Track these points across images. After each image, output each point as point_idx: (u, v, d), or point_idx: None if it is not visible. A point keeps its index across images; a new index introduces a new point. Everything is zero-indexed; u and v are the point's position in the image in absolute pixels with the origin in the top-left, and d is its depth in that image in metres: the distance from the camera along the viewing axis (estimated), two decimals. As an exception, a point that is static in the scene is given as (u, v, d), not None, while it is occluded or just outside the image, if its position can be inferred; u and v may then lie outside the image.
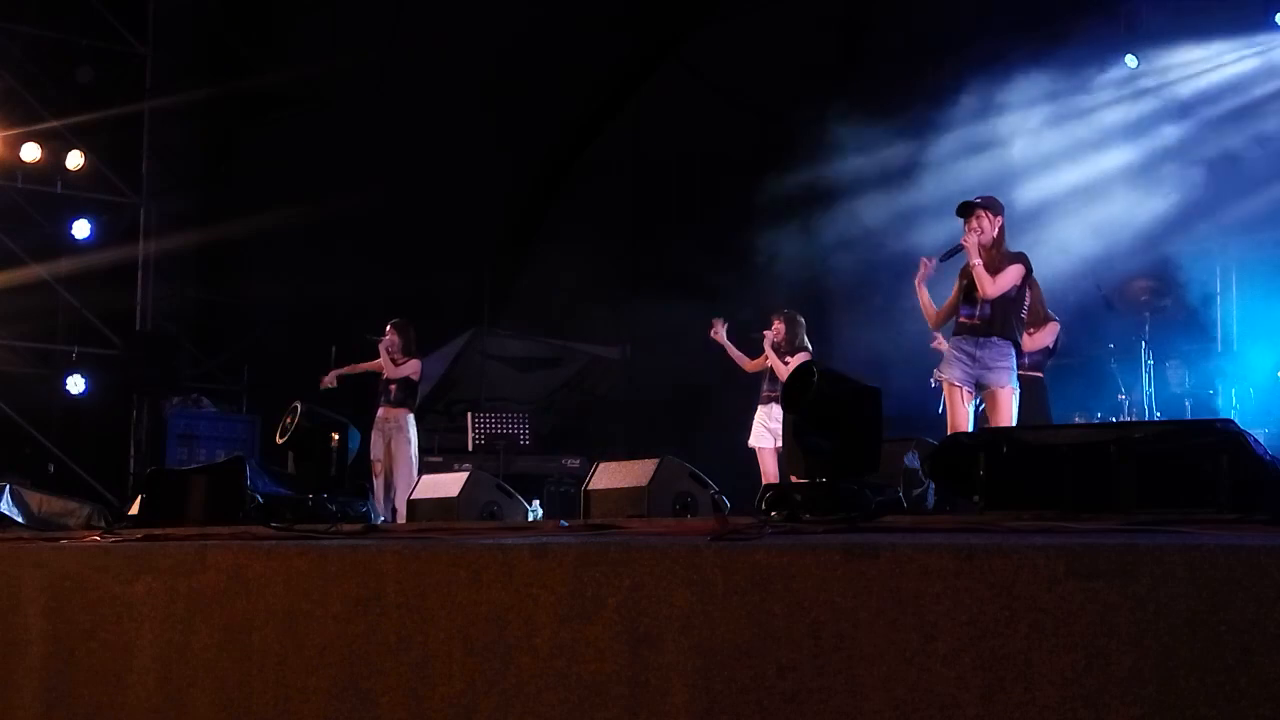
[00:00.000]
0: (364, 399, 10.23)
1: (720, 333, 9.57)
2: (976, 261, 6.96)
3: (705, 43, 13.64)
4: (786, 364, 9.03)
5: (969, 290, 7.05)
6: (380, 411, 9.93)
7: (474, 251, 14.08)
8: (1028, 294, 7.15)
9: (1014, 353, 7.02)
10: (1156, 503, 3.10)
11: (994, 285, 6.95)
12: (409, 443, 9.84)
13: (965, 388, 6.96)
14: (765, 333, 9.33)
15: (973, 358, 6.97)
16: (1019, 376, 7.23)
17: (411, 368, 10.00)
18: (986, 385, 6.94)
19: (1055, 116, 11.13)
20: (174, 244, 14.48)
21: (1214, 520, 2.79)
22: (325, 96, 13.88)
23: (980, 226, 7.04)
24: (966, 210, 7.11)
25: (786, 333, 9.27)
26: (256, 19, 14.85)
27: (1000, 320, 6.99)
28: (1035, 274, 7.44)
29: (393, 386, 9.95)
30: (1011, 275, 6.98)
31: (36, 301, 13.67)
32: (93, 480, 13.19)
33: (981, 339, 6.98)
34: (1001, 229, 7.10)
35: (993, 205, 7.15)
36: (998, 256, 7.04)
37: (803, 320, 9.43)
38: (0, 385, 13.53)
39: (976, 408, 7.06)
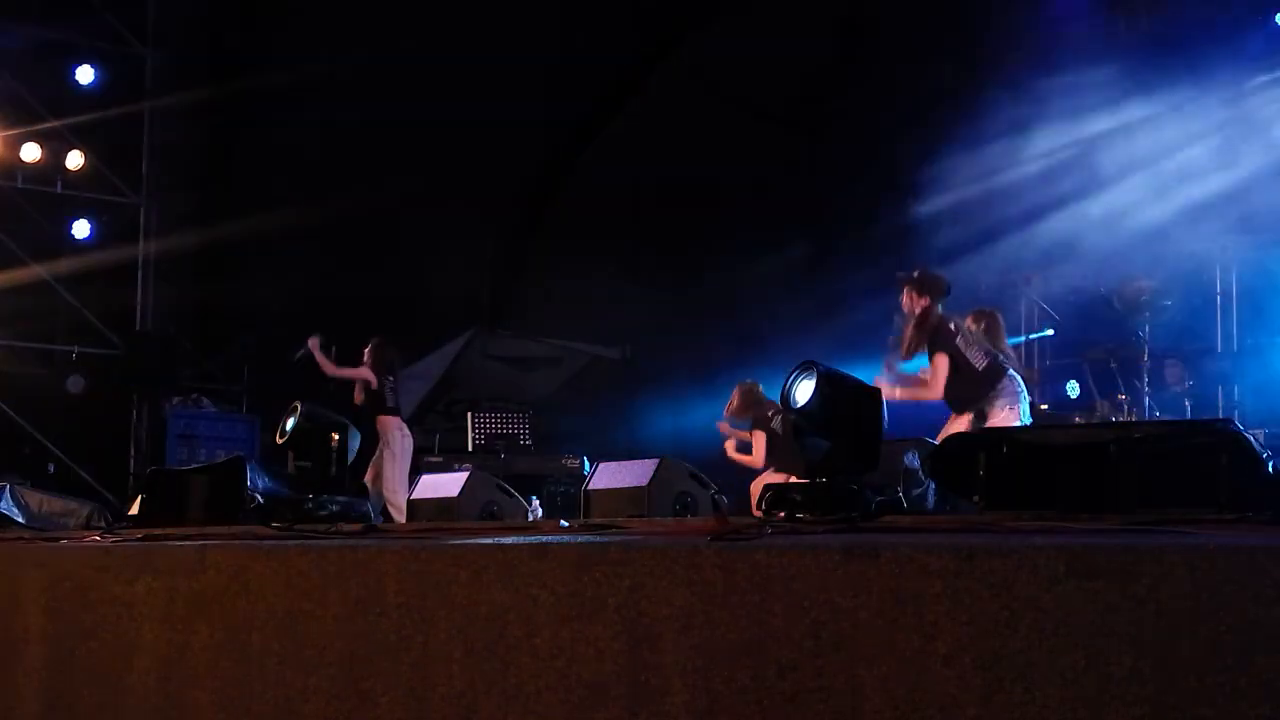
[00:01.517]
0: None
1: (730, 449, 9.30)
2: (902, 391, 7.02)
3: (705, 43, 13.64)
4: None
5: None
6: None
7: (474, 251, 14.07)
8: (966, 355, 7.05)
9: (1009, 386, 7.01)
10: (1156, 503, 3.09)
11: (934, 390, 6.99)
12: (392, 455, 9.99)
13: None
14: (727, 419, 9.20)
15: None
16: None
17: (356, 373, 10.17)
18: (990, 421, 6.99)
19: (1055, 116, 11.13)
20: (174, 244, 14.48)
21: (1214, 520, 2.79)
22: (325, 96, 13.88)
23: (902, 303, 7.09)
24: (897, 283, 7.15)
25: (740, 403, 9.11)
26: (256, 19, 14.85)
27: (967, 389, 7.03)
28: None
29: (361, 397, 10.15)
30: (940, 371, 6.96)
31: (36, 301, 13.67)
32: (93, 480, 13.18)
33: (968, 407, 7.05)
34: (926, 310, 7.02)
35: (919, 283, 7.09)
36: (917, 338, 7.02)
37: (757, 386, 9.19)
38: (0, 385, 13.52)
39: None
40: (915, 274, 7.14)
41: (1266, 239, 10.61)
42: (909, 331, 7.01)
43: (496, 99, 13.50)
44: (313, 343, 10.35)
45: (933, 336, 7.01)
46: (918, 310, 7.04)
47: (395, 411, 10.31)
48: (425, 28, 13.56)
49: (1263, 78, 10.36)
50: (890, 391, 7.08)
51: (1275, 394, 10.19)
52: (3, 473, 8.92)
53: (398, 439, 10.19)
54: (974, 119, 11.09)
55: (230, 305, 14.94)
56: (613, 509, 6.38)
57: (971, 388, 6.99)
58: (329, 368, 10.30)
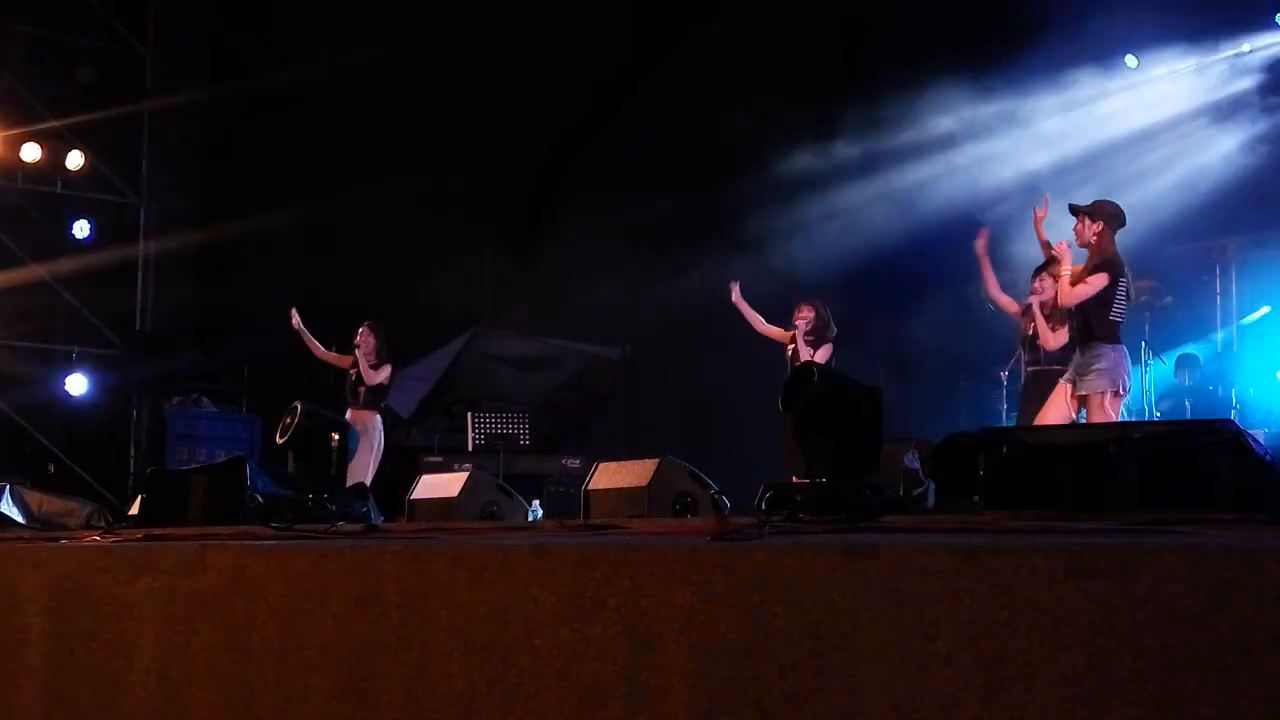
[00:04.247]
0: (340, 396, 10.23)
1: (736, 294, 9.50)
2: (1065, 270, 7.01)
3: (705, 43, 13.64)
4: (813, 355, 8.99)
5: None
6: (349, 414, 9.90)
7: (474, 251, 14.07)
8: (1117, 295, 7.03)
9: (1112, 354, 6.97)
10: (1156, 503, 3.09)
11: (1069, 295, 7.00)
12: (371, 446, 9.86)
13: (1068, 387, 7.06)
14: (798, 322, 9.23)
15: (1076, 366, 7.06)
16: (1041, 372, 7.31)
17: (384, 374, 10.05)
18: (1082, 392, 6.98)
19: (1053, 115, 11.13)
20: (174, 244, 14.48)
21: (1214, 520, 2.79)
22: (325, 96, 13.88)
23: (1077, 231, 7.07)
24: (1073, 211, 7.14)
25: (816, 320, 9.18)
26: (256, 19, 14.85)
27: (1096, 324, 6.97)
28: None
29: (361, 389, 9.99)
30: (1092, 285, 6.95)
31: (36, 301, 13.67)
32: (93, 480, 13.18)
33: (1080, 346, 7.04)
34: (1103, 233, 7.04)
35: (1094, 210, 7.10)
36: (1092, 262, 7.02)
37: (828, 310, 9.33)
38: (0, 385, 13.52)
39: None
40: (1092, 204, 7.13)
41: (1266, 237, 10.62)
42: (1090, 258, 6.97)
43: (496, 99, 13.50)
44: (295, 318, 10.24)
45: (1107, 261, 6.98)
46: (1094, 236, 7.01)
47: (372, 406, 10.01)
48: (425, 27, 13.56)
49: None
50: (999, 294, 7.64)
51: (1275, 394, 10.19)
52: (3, 473, 8.92)
53: (379, 437, 9.94)
54: (975, 117, 11.10)
55: (230, 305, 14.94)
56: (613, 509, 6.37)
57: (1107, 330, 6.96)
58: (316, 349, 10.13)
